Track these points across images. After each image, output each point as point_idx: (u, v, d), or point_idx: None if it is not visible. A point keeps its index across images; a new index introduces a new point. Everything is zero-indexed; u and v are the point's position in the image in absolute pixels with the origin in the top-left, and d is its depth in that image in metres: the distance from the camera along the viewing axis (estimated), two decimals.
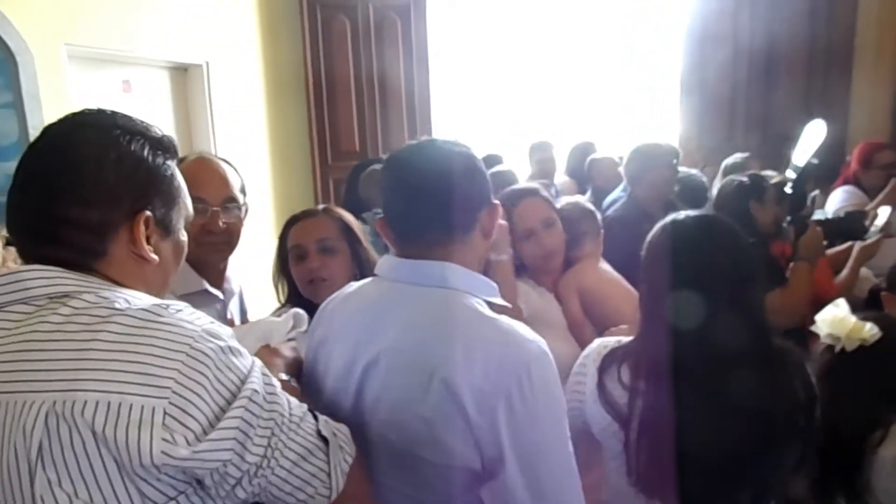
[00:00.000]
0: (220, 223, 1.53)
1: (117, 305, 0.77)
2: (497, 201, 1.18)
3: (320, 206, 1.78)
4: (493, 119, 6.05)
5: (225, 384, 0.77)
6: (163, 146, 0.91)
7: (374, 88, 5.11)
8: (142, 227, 0.85)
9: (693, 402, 1.18)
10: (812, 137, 2.74)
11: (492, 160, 4.66)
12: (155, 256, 0.88)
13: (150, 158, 0.87)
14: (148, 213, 0.86)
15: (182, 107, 4.25)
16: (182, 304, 0.82)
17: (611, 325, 1.67)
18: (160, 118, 4.09)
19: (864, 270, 2.63)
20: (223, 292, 1.62)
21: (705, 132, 4.72)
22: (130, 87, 3.82)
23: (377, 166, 3.28)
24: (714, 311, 1.19)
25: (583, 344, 1.72)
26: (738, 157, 3.70)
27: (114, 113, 0.89)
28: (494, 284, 1.16)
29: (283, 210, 4.94)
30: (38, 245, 0.83)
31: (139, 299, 0.80)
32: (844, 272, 2.59)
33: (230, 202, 1.56)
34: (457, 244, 1.12)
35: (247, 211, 1.63)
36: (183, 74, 4.23)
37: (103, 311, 0.76)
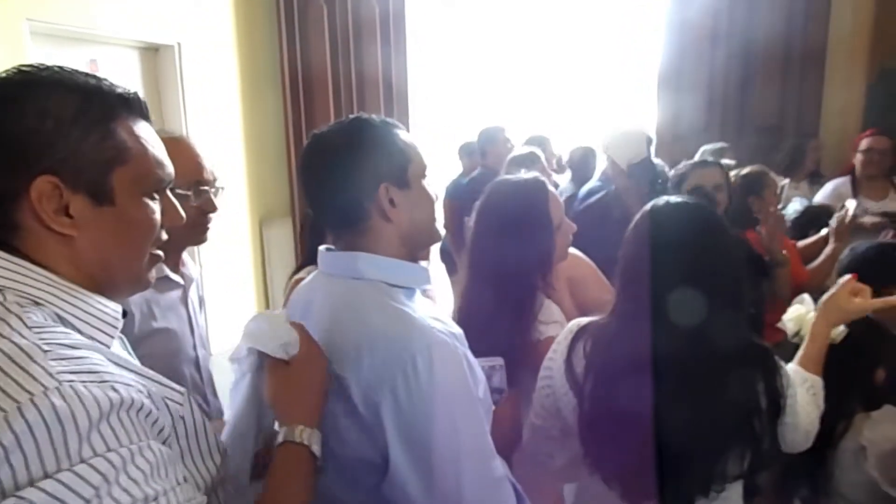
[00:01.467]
0: (190, 207, 1.45)
1: (4, 329, 0.66)
2: (384, 184, 1.06)
3: None
4: (473, 112, 6.01)
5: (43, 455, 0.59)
6: (107, 102, 0.77)
7: (351, 77, 5.04)
8: (41, 193, 0.71)
9: (652, 383, 1.16)
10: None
11: (536, 141, 4.54)
12: (70, 231, 0.74)
13: (71, 113, 0.73)
14: (50, 176, 0.72)
15: (153, 89, 4.14)
16: (94, 356, 0.69)
17: (590, 311, 1.64)
18: None
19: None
20: (183, 277, 1.56)
21: (682, 124, 4.74)
22: (98, 67, 3.71)
23: None
24: (701, 304, 1.17)
25: None
26: (717, 145, 3.78)
27: (61, 70, 0.77)
28: (422, 269, 1.11)
29: (257, 199, 4.85)
30: None
31: (32, 330, 0.67)
32: (819, 258, 2.61)
33: (203, 185, 1.49)
34: (359, 231, 1.08)
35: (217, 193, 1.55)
36: (153, 55, 4.12)
37: None
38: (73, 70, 0.77)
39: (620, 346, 1.23)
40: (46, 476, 0.59)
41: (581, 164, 4.08)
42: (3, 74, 0.75)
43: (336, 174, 1.06)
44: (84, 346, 0.71)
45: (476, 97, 6.08)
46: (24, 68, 0.75)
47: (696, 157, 3.58)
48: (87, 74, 0.78)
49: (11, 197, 0.72)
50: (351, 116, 1.11)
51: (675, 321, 1.16)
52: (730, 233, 1.29)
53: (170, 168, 0.84)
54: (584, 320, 1.35)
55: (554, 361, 1.35)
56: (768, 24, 4.52)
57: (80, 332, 0.73)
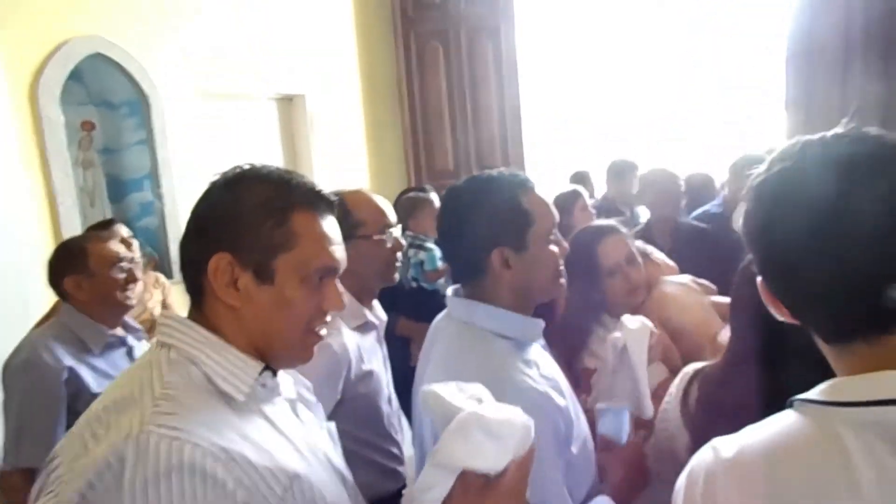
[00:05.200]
0: (385, 249, 1.59)
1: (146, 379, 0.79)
2: (499, 248, 1.12)
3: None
4: (584, 134, 6.00)
5: None
6: (291, 194, 0.86)
7: (466, 111, 5.22)
8: (217, 265, 0.83)
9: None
10: None
11: (578, 177, 4.64)
12: (235, 301, 0.83)
13: (257, 202, 0.85)
14: (225, 253, 0.83)
15: (287, 134, 4.56)
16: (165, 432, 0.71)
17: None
18: (268, 146, 4.43)
19: None
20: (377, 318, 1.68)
21: (812, 119, 4.29)
22: (245, 120, 4.17)
23: (413, 194, 3.46)
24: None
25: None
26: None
27: (264, 167, 0.90)
28: (534, 323, 1.17)
29: None
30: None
31: (164, 385, 0.78)
32: None
33: (390, 227, 1.61)
34: (476, 283, 1.16)
35: None
36: (287, 105, 4.54)
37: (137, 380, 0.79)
38: (274, 168, 0.90)
39: (732, 388, 1.18)
40: None
41: (698, 191, 3.94)
42: (228, 174, 0.90)
43: (457, 232, 1.16)
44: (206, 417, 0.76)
45: (587, 120, 6.07)
46: (243, 167, 0.90)
47: None
48: (285, 171, 0.90)
49: (198, 265, 0.84)
50: (486, 173, 1.18)
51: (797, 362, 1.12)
52: None
53: (339, 258, 0.89)
54: (698, 365, 1.33)
55: (669, 404, 1.33)
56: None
57: (217, 386, 0.80)
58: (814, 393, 0.66)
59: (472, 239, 1.13)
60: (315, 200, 0.89)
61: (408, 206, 3.21)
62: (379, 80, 5.10)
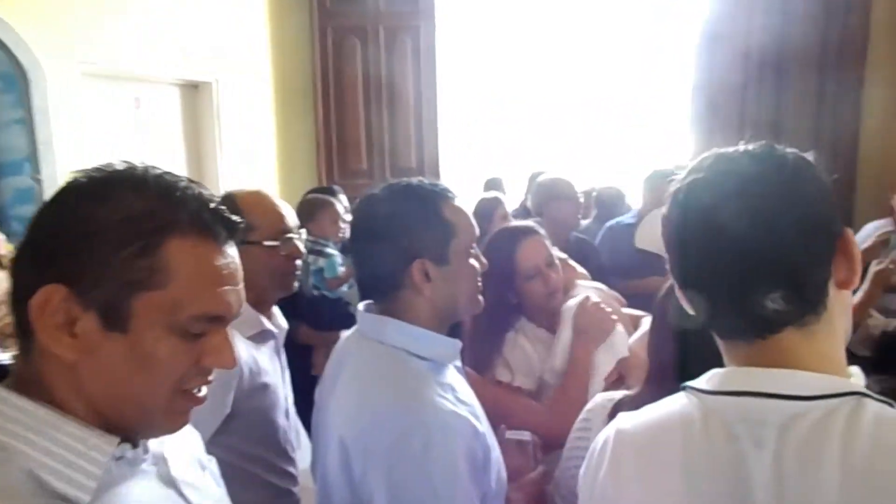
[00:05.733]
0: (279, 257, 1.48)
1: None
2: (419, 260, 1.05)
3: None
4: (502, 135, 6.04)
5: None
6: (170, 213, 0.64)
7: (382, 108, 5.12)
8: (46, 300, 0.60)
9: None
10: None
11: (492, 184, 4.66)
12: (68, 353, 0.61)
13: (116, 220, 0.62)
14: (61, 285, 0.60)
15: (191, 124, 4.29)
16: None
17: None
18: (169, 135, 4.13)
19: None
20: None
21: (715, 135, 4.57)
22: (140, 104, 3.86)
23: (313, 196, 3.31)
24: None
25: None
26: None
27: (146, 171, 0.66)
28: (451, 343, 1.10)
29: None
30: None
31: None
32: (858, 295, 2.53)
33: (288, 233, 1.51)
34: (391, 299, 1.09)
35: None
36: (193, 92, 4.27)
37: None
38: (162, 173, 0.66)
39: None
40: None
41: (612, 203, 4.05)
42: (93, 173, 0.66)
43: (373, 242, 1.07)
44: None
45: (506, 119, 6.12)
46: (116, 165, 0.66)
47: None
48: (173, 180, 0.66)
49: (23, 297, 0.61)
50: (404, 181, 1.10)
51: None
52: None
53: (230, 303, 0.67)
54: (616, 395, 1.29)
55: (588, 441, 1.26)
56: (802, 29, 4.30)
57: (50, 488, 0.59)
58: (699, 381, 0.75)
59: (391, 250, 1.05)
60: (207, 223, 0.66)
61: (308, 208, 3.02)
62: (293, 73, 4.90)
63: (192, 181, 0.68)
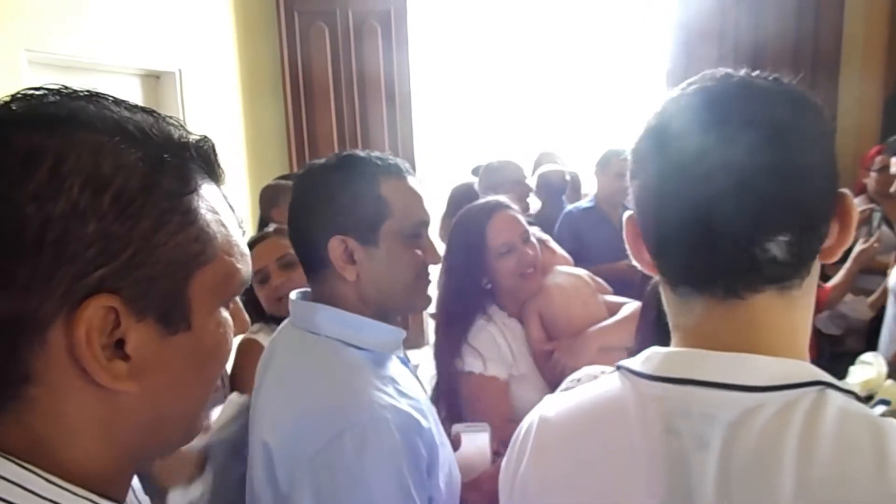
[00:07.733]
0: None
1: None
2: (340, 236, 0.96)
3: (271, 228, 1.83)
4: (478, 123, 5.95)
5: None
6: (181, 159, 0.51)
7: (353, 96, 4.99)
8: (88, 323, 0.43)
9: None
10: None
11: (545, 157, 4.50)
12: (127, 385, 0.46)
13: (135, 187, 0.46)
14: (107, 296, 0.44)
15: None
16: None
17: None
18: None
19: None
20: None
21: None
22: None
23: (275, 182, 3.21)
24: None
25: (545, 375, 1.59)
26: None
27: (100, 98, 0.52)
28: (391, 331, 1.00)
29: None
30: None
31: None
32: (840, 274, 2.49)
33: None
34: (319, 279, 1.01)
35: None
36: (155, 82, 4.10)
37: None
38: (112, 99, 0.51)
39: None
40: None
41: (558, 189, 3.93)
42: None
43: (300, 213, 0.99)
44: None
45: (482, 108, 6.03)
46: (30, 92, 0.48)
47: None
48: (129, 107, 0.52)
49: (22, 328, 0.42)
50: (345, 153, 1.01)
51: None
52: None
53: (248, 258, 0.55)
54: (608, 370, 1.23)
55: None
56: (778, 26, 4.40)
57: None
58: (634, 361, 0.65)
59: (314, 221, 0.97)
60: (207, 159, 0.59)
61: (271, 196, 2.90)
62: (260, 61, 4.74)
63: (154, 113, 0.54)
